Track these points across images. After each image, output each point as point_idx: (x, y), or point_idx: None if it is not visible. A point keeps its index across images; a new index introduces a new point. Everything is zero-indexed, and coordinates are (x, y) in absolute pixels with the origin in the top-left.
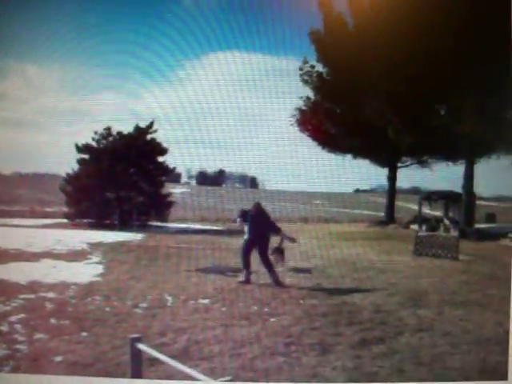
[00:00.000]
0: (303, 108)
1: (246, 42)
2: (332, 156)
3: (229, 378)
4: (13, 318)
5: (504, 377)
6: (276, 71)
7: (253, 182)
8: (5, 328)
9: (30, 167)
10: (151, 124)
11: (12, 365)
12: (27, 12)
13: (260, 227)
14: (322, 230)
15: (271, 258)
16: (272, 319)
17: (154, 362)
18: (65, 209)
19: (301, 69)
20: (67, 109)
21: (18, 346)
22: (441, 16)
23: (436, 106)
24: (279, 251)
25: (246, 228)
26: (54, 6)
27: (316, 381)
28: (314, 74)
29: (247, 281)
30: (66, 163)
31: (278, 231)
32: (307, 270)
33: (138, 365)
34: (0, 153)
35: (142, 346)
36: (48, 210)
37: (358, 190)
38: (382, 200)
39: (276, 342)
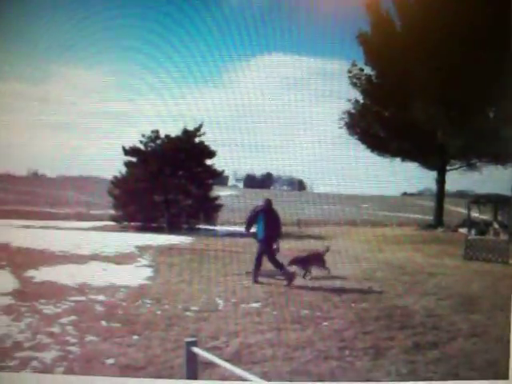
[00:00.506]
0: (352, 111)
1: (293, 43)
2: (380, 159)
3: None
4: (63, 320)
5: (505, 376)
6: (323, 73)
7: (301, 185)
8: (56, 329)
9: (76, 170)
10: (199, 127)
11: (65, 366)
12: (69, 15)
13: (271, 224)
14: (369, 233)
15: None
16: (324, 323)
17: (208, 365)
18: (111, 211)
19: (349, 71)
20: (112, 111)
21: (69, 348)
22: (492, 13)
23: (486, 108)
24: (299, 260)
25: (256, 230)
26: (96, 9)
27: None
28: (363, 77)
29: (291, 280)
30: (112, 166)
31: (280, 235)
32: (343, 278)
33: (194, 368)
34: (46, 156)
35: (197, 350)
36: (94, 212)
37: (405, 194)
38: (430, 203)
39: (329, 346)
